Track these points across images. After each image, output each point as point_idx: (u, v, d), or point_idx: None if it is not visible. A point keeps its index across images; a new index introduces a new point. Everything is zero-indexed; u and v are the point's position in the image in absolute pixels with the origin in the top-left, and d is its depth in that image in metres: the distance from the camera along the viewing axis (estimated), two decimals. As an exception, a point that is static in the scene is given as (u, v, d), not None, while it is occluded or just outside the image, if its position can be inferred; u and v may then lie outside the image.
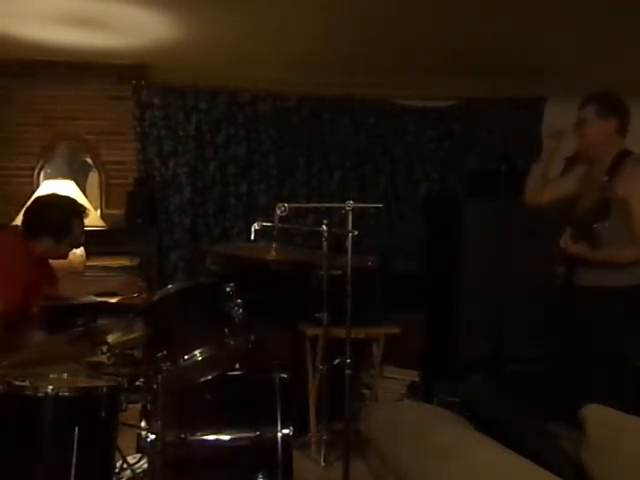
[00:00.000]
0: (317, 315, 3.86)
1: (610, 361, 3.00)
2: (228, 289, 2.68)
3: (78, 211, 3.14)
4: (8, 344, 2.74)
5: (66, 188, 4.33)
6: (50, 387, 2.25)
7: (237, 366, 2.84)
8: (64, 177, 4.55)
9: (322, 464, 3.86)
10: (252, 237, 3.21)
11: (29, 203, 3.21)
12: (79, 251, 4.23)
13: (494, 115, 5.46)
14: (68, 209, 3.14)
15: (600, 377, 2.96)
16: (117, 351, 2.76)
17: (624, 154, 3.04)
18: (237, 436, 2.67)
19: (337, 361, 3.60)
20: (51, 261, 3.64)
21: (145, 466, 2.63)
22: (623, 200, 2.94)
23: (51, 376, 2.45)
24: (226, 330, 2.61)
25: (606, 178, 3.00)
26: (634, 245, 2.97)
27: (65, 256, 3.24)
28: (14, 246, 3.02)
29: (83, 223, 3.15)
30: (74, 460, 2.19)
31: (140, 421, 2.58)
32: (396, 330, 4.24)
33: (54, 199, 3.21)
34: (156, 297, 2.66)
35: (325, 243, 3.66)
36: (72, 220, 3.09)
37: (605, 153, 3.07)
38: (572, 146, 3.23)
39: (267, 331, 3.45)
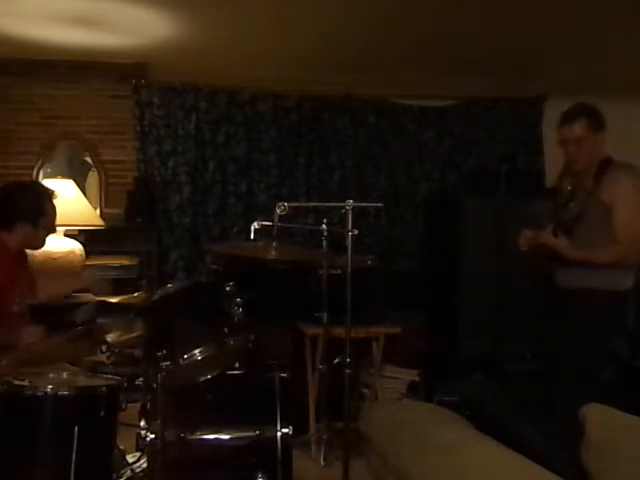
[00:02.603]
0: (317, 314, 3.87)
1: (593, 362, 3.06)
2: (228, 288, 2.68)
3: (47, 192, 3.07)
4: None
5: (66, 187, 4.33)
6: (50, 386, 2.25)
7: (237, 365, 2.84)
8: (64, 176, 4.54)
9: (322, 463, 3.86)
10: (252, 236, 3.21)
11: None
12: (78, 250, 4.23)
13: (494, 115, 5.45)
14: (37, 191, 3.08)
15: (582, 377, 3.00)
16: (117, 350, 2.77)
17: (608, 161, 3.11)
18: (237, 435, 2.67)
19: (337, 360, 3.61)
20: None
21: (144, 465, 2.62)
22: (607, 205, 3.03)
23: (51, 375, 2.45)
24: (226, 329, 2.61)
25: (592, 182, 3.08)
26: (612, 246, 3.05)
27: (42, 243, 3.14)
28: None
29: (54, 205, 3.08)
30: (74, 459, 2.19)
31: (139, 420, 2.57)
32: (396, 330, 4.25)
33: (20, 184, 3.16)
34: (156, 296, 2.65)
35: (325, 242, 3.66)
36: (44, 201, 3.03)
37: (594, 163, 3.13)
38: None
39: (267, 330, 3.45)
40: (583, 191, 3.11)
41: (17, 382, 2.26)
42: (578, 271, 3.07)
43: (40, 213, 3.01)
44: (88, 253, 4.32)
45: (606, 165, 3.10)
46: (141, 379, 2.75)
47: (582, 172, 3.18)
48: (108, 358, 2.75)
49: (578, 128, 3.11)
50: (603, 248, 3.06)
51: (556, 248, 3.06)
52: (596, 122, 3.12)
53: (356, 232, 3.28)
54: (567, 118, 3.15)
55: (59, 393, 2.25)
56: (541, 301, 3.27)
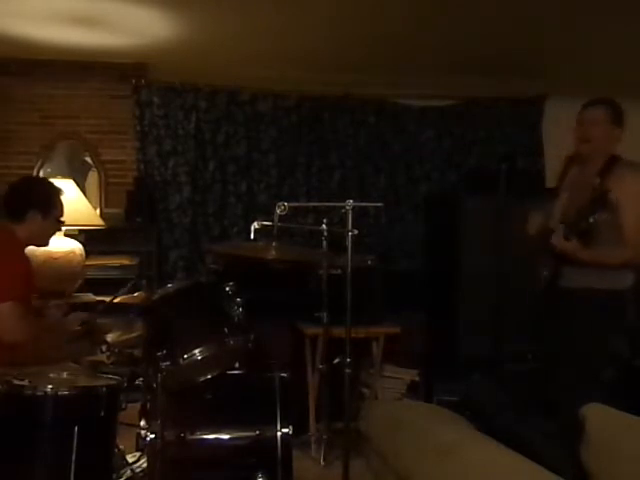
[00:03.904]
0: (317, 314, 3.87)
1: (593, 362, 3.06)
2: (228, 288, 2.68)
3: (56, 187, 3.16)
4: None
5: (66, 187, 4.33)
6: (49, 386, 2.24)
7: (237, 365, 2.84)
8: (64, 176, 4.53)
9: (322, 463, 3.86)
10: (252, 236, 3.21)
11: (7, 190, 3.15)
12: (78, 250, 4.23)
13: (494, 115, 5.45)
14: (47, 184, 3.20)
15: (582, 377, 3.00)
16: (117, 350, 2.77)
17: (614, 158, 3.11)
18: (237, 435, 2.67)
19: (337, 360, 3.60)
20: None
21: (144, 465, 2.63)
22: (613, 204, 2.99)
23: (51, 375, 2.45)
24: (226, 329, 2.61)
25: (598, 179, 3.05)
26: (623, 246, 3.03)
27: (48, 239, 3.19)
28: (7, 239, 2.98)
29: (62, 202, 3.15)
30: (74, 459, 2.19)
31: (139, 420, 2.58)
32: (396, 329, 4.25)
33: (31, 177, 3.33)
34: (156, 296, 2.65)
35: (325, 242, 3.66)
36: (54, 194, 3.11)
37: (601, 156, 3.13)
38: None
39: (267, 330, 3.45)
40: (587, 186, 3.09)
41: (17, 382, 2.26)
42: (578, 270, 3.07)
43: (50, 204, 3.06)
44: (88, 253, 4.31)
45: (612, 162, 3.09)
46: (141, 379, 2.75)
47: (587, 160, 3.17)
48: (108, 358, 2.75)
49: (598, 112, 3.14)
50: (613, 249, 3.03)
51: (567, 252, 3.05)
52: (616, 115, 3.15)
53: (356, 232, 3.28)
54: (592, 102, 3.18)
55: (59, 393, 2.24)
56: (540, 300, 3.26)
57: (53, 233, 3.19)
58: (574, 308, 3.10)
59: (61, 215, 3.13)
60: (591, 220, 2.88)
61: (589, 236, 2.97)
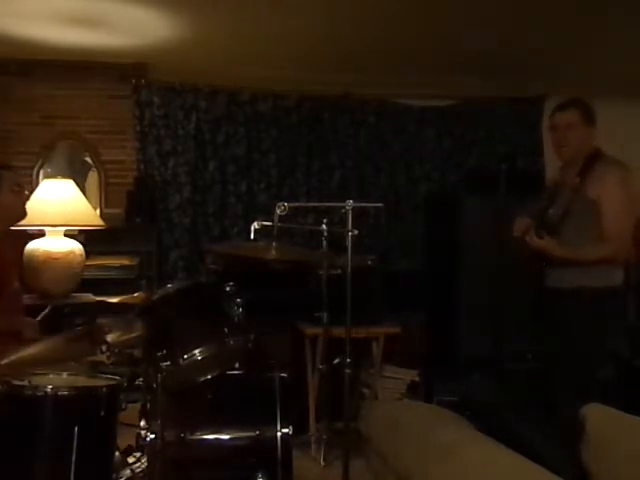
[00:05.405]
0: (317, 314, 3.87)
1: (592, 361, 3.07)
2: (228, 288, 2.68)
3: None
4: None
5: (66, 187, 4.33)
6: (49, 387, 2.24)
7: (237, 365, 2.84)
8: (64, 176, 4.53)
9: (322, 463, 3.87)
10: (252, 236, 3.21)
11: None
12: (78, 250, 4.23)
13: (494, 115, 5.45)
14: None
15: (582, 377, 3.01)
16: (117, 350, 2.76)
17: (594, 155, 3.13)
18: (237, 435, 2.67)
19: (337, 360, 3.61)
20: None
21: (144, 465, 2.62)
22: (594, 201, 3.05)
23: (50, 376, 2.45)
24: (226, 329, 2.61)
25: (577, 179, 3.07)
26: (602, 243, 3.05)
27: (19, 210, 3.19)
28: None
29: (13, 175, 3.15)
30: (73, 459, 2.18)
31: (139, 420, 2.58)
32: (396, 329, 4.25)
33: None
34: (156, 296, 2.65)
35: (325, 242, 3.66)
36: None
37: (580, 157, 3.15)
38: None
39: (267, 330, 3.44)
40: (567, 189, 3.12)
41: (17, 382, 2.26)
42: (567, 271, 3.08)
43: None
44: (88, 253, 4.32)
45: (592, 160, 3.11)
46: (141, 379, 2.75)
47: (568, 164, 3.20)
48: (108, 358, 2.75)
49: (570, 115, 3.16)
50: (591, 246, 3.07)
51: (542, 250, 3.06)
52: (588, 116, 3.17)
53: (356, 232, 3.28)
54: (560, 106, 3.22)
55: (59, 393, 2.24)
56: (536, 301, 3.27)
57: (22, 202, 3.19)
58: (570, 308, 3.10)
59: (14, 183, 3.14)
60: (550, 213, 2.98)
61: (556, 229, 3.02)
